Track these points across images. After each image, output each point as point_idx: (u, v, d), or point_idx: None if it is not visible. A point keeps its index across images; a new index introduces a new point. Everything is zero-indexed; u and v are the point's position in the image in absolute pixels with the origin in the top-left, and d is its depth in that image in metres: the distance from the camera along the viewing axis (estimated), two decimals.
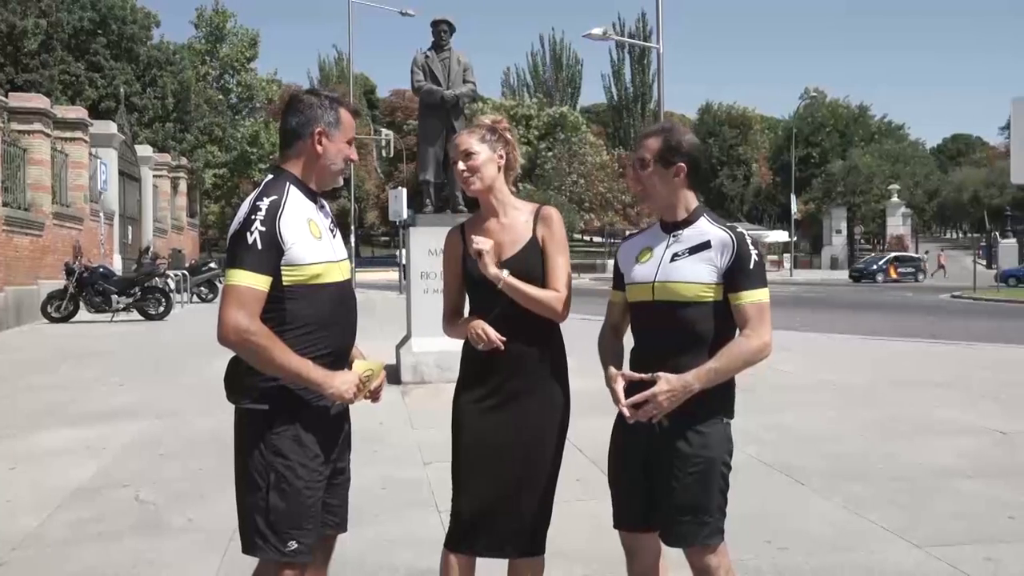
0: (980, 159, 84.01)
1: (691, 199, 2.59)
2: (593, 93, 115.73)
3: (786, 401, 7.57)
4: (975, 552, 3.90)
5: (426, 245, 9.08)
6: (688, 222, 2.57)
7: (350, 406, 2.64)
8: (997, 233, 40.93)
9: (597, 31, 18.80)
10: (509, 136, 2.78)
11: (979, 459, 5.64)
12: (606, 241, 62.51)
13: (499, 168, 2.74)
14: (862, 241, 60.81)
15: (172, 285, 18.53)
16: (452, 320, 2.85)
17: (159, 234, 30.55)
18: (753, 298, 2.47)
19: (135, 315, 17.25)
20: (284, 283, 2.36)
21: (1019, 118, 12.86)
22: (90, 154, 22.24)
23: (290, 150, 2.50)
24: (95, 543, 4.22)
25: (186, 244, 33.74)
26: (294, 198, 2.42)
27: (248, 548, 2.44)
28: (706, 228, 2.54)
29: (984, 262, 39.18)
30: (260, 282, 2.31)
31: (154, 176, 30.60)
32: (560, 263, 2.71)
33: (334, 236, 2.56)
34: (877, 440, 6.22)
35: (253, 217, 2.33)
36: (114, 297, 16.68)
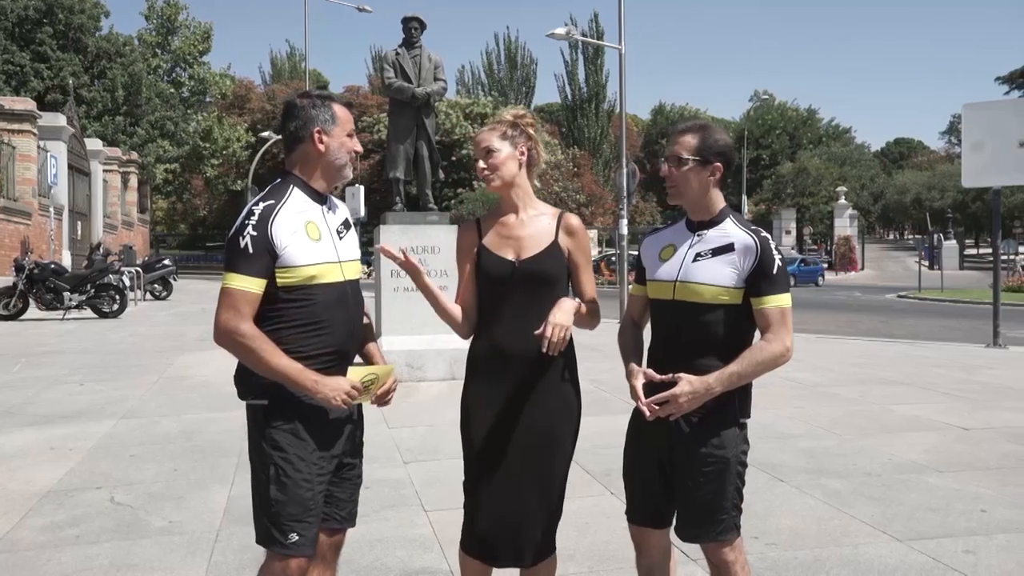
0: (921, 163, 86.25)
1: (719, 199, 2.59)
2: (547, 93, 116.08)
3: (756, 399, 7.68)
4: (954, 545, 4.02)
5: (396, 243, 8.93)
6: (714, 222, 2.58)
7: (363, 407, 2.65)
8: (941, 235, 42.13)
9: (560, 31, 18.80)
10: (532, 132, 2.73)
11: (945, 454, 5.81)
12: None
13: (520, 165, 2.71)
14: (810, 242, 61.99)
15: (127, 282, 18.10)
16: (460, 319, 2.75)
17: (109, 230, 29.90)
18: (776, 303, 2.48)
19: (88, 313, 16.86)
20: (279, 284, 2.42)
21: (970, 123, 13.19)
22: (38, 147, 21.66)
23: (294, 154, 2.57)
24: (73, 547, 4.11)
25: (136, 240, 33.06)
26: (295, 200, 2.49)
27: (260, 539, 2.52)
28: (731, 230, 2.55)
29: (927, 263, 40.22)
30: (252, 285, 2.38)
31: (104, 171, 29.93)
32: (590, 276, 2.75)
33: (342, 237, 2.60)
34: (846, 436, 6.36)
35: (247, 222, 2.40)
36: (66, 294, 16.28)
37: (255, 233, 2.38)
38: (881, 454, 5.81)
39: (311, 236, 2.47)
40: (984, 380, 9.20)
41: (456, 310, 2.74)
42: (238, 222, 2.43)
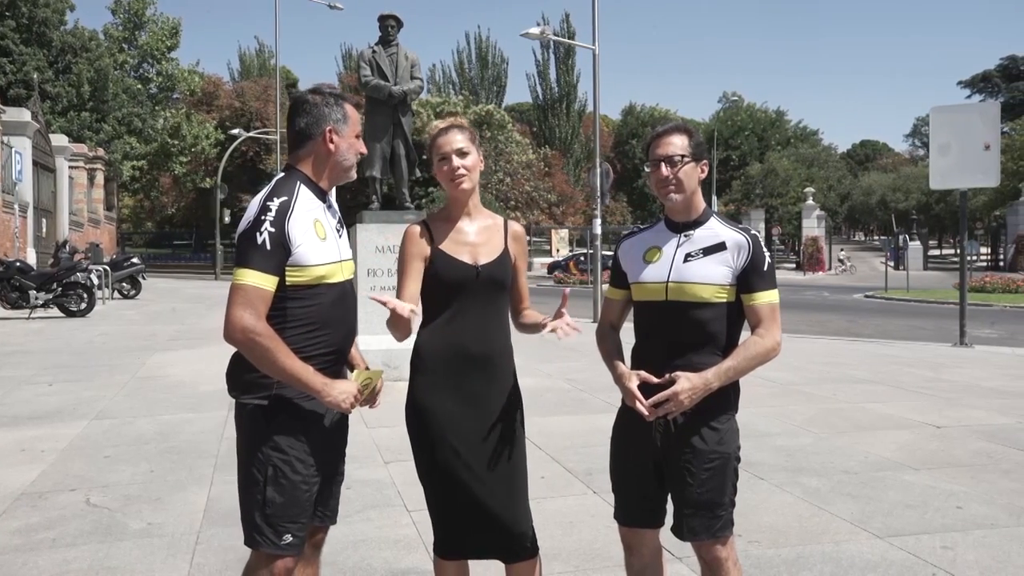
0: (886, 164, 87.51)
1: (702, 199, 2.63)
2: (518, 92, 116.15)
3: None
4: (932, 541, 4.08)
5: (373, 242, 8.99)
6: (699, 222, 2.59)
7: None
8: (906, 236, 42.86)
9: (534, 31, 18.79)
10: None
11: (919, 452, 5.90)
12: (531, 239, 62.88)
13: (479, 172, 2.73)
14: (778, 242, 62.68)
15: (95, 281, 17.80)
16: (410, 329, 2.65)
17: (75, 228, 29.41)
18: (767, 299, 2.52)
19: (54, 312, 16.57)
20: (287, 283, 2.39)
21: (937, 126, 13.38)
22: (2, 142, 21.25)
23: (301, 150, 2.53)
24: (50, 550, 4.04)
25: (103, 238, 32.48)
26: (304, 198, 2.46)
27: (248, 541, 2.49)
28: (719, 229, 2.57)
29: (893, 263, 40.84)
30: (267, 282, 2.34)
31: (70, 167, 29.41)
32: (525, 281, 2.89)
33: (340, 236, 2.60)
34: (822, 435, 6.44)
35: (263, 217, 2.36)
36: (32, 293, 15.98)
37: (273, 229, 2.34)
38: (857, 452, 5.88)
39: (319, 235, 2.45)
40: (952, 379, 9.36)
41: (412, 323, 2.65)
42: (252, 217, 2.38)
